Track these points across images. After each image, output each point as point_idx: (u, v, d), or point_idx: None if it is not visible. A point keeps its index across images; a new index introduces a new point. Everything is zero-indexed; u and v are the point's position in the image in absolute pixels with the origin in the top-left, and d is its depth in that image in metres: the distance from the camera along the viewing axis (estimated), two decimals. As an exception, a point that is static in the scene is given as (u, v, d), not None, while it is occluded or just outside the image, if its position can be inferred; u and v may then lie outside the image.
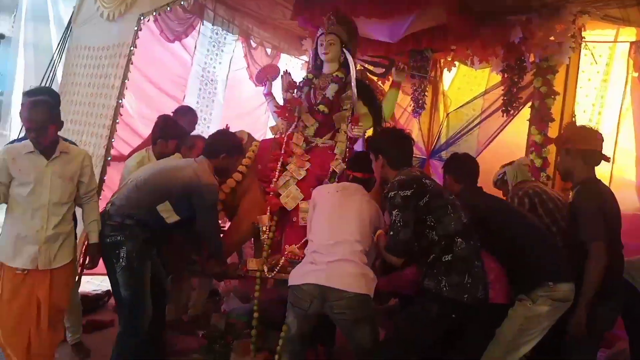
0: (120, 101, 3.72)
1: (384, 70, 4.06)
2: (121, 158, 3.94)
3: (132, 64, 3.76)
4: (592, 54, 3.80)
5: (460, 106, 4.74)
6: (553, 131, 3.58)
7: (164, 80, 4.71)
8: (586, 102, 3.96)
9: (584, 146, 2.74)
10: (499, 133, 4.22)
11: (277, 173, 3.37)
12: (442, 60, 4.77)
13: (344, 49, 3.56)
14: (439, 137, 5.02)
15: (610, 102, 3.92)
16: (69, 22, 4.45)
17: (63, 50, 4.37)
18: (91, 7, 4.18)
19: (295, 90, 3.75)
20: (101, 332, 3.55)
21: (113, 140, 3.76)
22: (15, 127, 5.50)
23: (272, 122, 3.92)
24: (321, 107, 3.55)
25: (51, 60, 4.35)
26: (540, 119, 3.64)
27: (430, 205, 2.37)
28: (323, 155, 3.42)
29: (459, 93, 4.86)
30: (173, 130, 3.32)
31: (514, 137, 4.13)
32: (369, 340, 2.47)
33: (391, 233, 2.41)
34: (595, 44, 3.82)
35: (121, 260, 2.66)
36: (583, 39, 3.66)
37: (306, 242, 2.89)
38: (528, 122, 3.72)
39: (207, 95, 5.12)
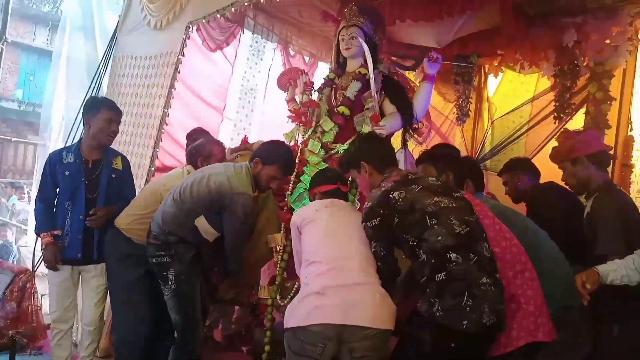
0: (166, 110, 3.71)
1: (413, 62, 3.72)
2: (164, 169, 3.93)
3: (179, 72, 3.75)
4: (650, 57, 3.64)
5: (507, 113, 4.59)
6: (609, 139, 3.42)
7: (205, 89, 4.69)
8: (644, 108, 3.78)
9: (592, 149, 2.63)
10: (549, 140, 4.05)
11: (291, 185, 3.10)
12: (487, 66, 4.66)
13: (362, 41, 3.18)
14: (483, 146, 4.88)
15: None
16: (114, 32, 4.49)
17: (109, 60, 4.41)
18: (137, 16, 4.22)
19: (316, 93, 3.47)
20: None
21: (157, 150, 3.74)
22: (54, 137, 5.60)
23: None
24: (341, 109, 3.25)
25: (97, 71, 4.39)
26: (595, 126, 3.49)
27: (404, 225, 2.02)
28: None
29: (505, 99, 4.72)
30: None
31: (565, 144, 4.00)
32: None
33: (379, 264, 2.14)
34: (654, 46, 3.67)
35: (170, 283, 2.54)
36: (640, 42, 3.53)
37: None
38: (582, 129, 3.58)
39: (247, 105, 5.10)
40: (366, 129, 3.11)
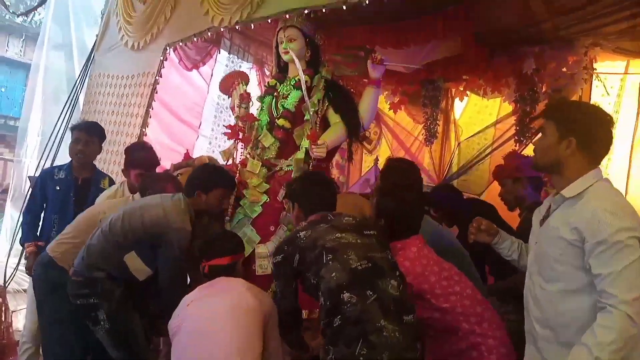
0: (143, 130, 3.78)
1: (356, 65, 3.20)
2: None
3: (156, 93, 3.82)
4: (603, 85, 3.86)
5: (472, 135, 4.78)
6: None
7: (181, 108, 4.79)
8: (598, 133, 4.00)
9: (534, 173, 2.83)
10: (511, 161, 4.26)
11: (229, 210, 2.80)
12: (453, 90, 4.86)
13: (292, 54, 2.86)
14: (450, 166, 5.06)
15: (622, 134, 3.96)
16: (92, 50, 4.55)
17: (85, 77, 4.46)
18: (115, 36, 4.29)
19: (257, 102, 3.17)
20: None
21: (134, 168, 3.79)
22: (29, 153, 5.58)
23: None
24: (280, 122, 2.93)
25: (73, 87, 4.43)
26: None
27: (305, 261, 1.91)
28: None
29: (470, 122, 4.91)
30: (130, 159, 3.02)
31: (526, 165, 4.18)
32: None
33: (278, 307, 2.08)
34: (607, 75, 3.89)
35: (102, 323, 2.33)
36: (594, 70, 3.74)
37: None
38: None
39: (222, 123, 5.18)
40: (306, 143, 2.85)
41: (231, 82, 3.27)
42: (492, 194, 4.52)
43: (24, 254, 3.06)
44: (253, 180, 2.85)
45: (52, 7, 5.45)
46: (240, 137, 3.02)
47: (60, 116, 4.27)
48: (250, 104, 3.13)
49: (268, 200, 2.82)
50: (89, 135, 3.14)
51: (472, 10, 3.16)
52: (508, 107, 4.29)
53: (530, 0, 3.07)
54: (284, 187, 2.59)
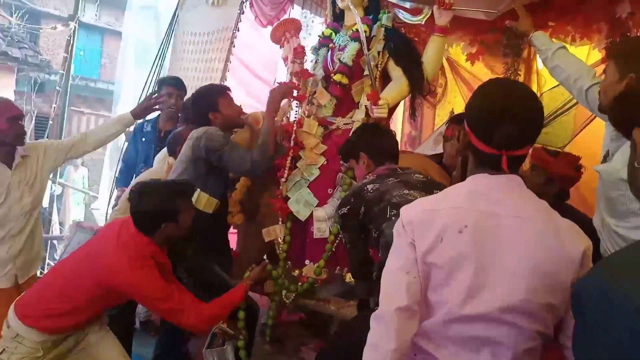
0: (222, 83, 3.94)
1: (422, 12, 2.75)
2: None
3: (234, 47, 3.94)
4: None
5: (556, 85, 4.51)
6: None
7: (257, 64, 4.89)
8: (701, 79, 3.69)
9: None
10: (600, 113, 4.04)
11: (286, 171, 2.72)
12: (538, 37, 4.60)
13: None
14: (531, 118, 4.86)
15: None
16: (175, 10, 4.72)
17: (170, 37, 4.65)
18: (197, -7, 4.43)
19: (309, 57, 3.01)
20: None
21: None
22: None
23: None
24: (337, 77, 2.73)
25: (160, 48, 4.64)
26: (648, 97, 3.46)
27: (370, 216, 1.91)
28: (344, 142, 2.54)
29: (555, 71, 4.67)
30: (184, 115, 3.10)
31: (616, 116, 3.93)
32: None
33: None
34: None
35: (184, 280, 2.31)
36: (698, 12, 3.43)
37: (329, 259, 2.45)
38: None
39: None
40: (365, 100, 2.67)
41: (282, 32, 3.07)
42: (576, 146, 4.34)
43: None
44: (310, 141, 2.72)
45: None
46: (295, 94, 2.87)
47: (148, 77, 4.52)
48: (305, 58, 2.99)
49: (325, 162, 2.71)
50: (179, 90, 3.34)
51: (563, -51, 2.96)
52: (597, 55, 4.03)
53: None
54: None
